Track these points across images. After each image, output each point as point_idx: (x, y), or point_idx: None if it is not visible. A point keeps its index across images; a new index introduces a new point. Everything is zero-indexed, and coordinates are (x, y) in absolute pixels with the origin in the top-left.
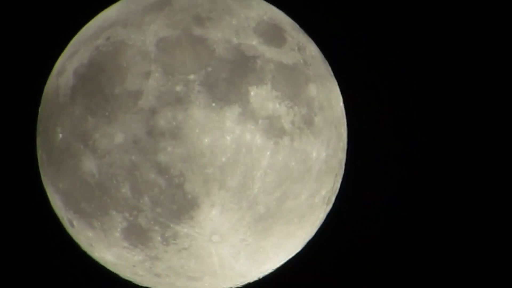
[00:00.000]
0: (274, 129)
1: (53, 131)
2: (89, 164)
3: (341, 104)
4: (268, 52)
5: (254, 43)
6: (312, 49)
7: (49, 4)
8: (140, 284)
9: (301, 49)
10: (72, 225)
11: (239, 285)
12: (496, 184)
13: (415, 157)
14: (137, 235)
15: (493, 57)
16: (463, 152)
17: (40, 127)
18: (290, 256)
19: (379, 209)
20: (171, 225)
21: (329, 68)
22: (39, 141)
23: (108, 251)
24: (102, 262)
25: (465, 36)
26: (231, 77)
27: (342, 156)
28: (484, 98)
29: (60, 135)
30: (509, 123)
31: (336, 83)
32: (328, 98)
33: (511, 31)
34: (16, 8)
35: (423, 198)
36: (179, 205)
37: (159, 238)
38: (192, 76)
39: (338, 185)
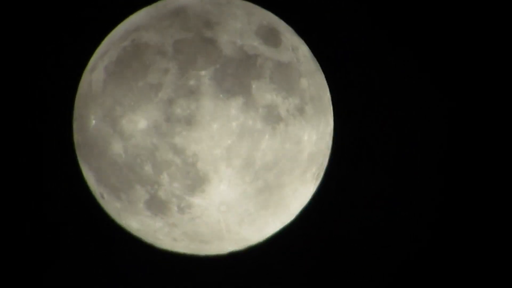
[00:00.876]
0: (272, 116)
1: (87, 117)
2: (117, 146)
3: (328, 95)
4: (267, 51)
5: (255, 44)
6: (304, 49)
7: (83, 11)
8: (160, 247)
9: (295, 49)
10: (103, 197)
11: (242, 248)
12: (492, 182)
13: (395, 143)
14: (157, 206)
15: (483, 55)
16: (441, 143)
17: (76, 115)
18: (286, 223)
19: (361, 184)
20: (186, 197)
21: (318, 65)
22: (75, 126)
23: (133, 219)
24: (128, 229)
25: (444, 32)
26: (236, 73)
27: (329, 139)
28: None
29: (93, 121)
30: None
31: (324, 77)
32: (317, 90)
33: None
34: (57, 16)
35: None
36: (193, 180)
37: (175, 208)
38: (203, 72)
39: (325, 163)
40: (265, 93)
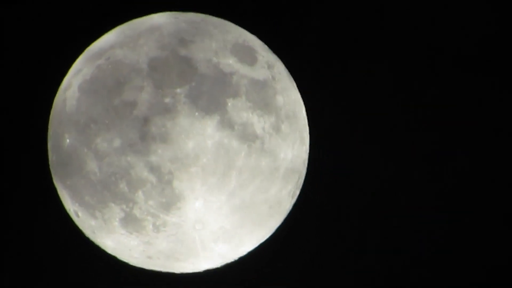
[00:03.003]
0: (247, 134)
1: (62, 136)
2: (92, 164)
3: (304, 112)
4: (242, 69)
5: (230, 61)
6: (279, 66)
7: (57, 29)
8: (135, 265)
9: (270, 66)
10: (78, 216)
11: (218, 265)
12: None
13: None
14: (132, 224)
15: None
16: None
17: (50, 133)
18: (262, 241)
19: (335, 201)
20: (161, 215)
21: (294, 82)
22: (49, 145)
23: (108, 238)
24: (103, 247)
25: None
26: (211, 91)
27: (305, 156)
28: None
29: (68, 140)
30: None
31: (299, 95)
32: (293, 108)
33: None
34: (31, 34)
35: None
36: (168, 198)
37: (151, 226)
38: (178, 90)
39: (301, 181)
40: (241, 111)
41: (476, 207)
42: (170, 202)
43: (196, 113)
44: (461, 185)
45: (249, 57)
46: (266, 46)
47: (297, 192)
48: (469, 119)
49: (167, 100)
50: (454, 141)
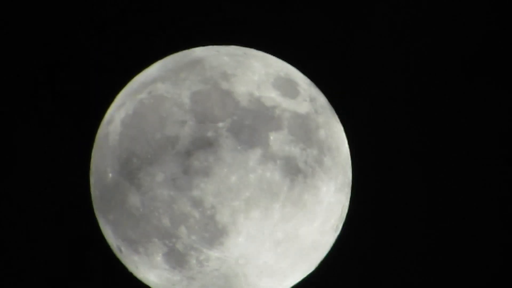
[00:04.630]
0: (290, 168)
1: (104, 171)
2: (134, 199)
3: (346, 145)
4: (284, 102)
5: (272, 95)
6: (321, 99)
7: (100, 63)
8: None
9: (312, 100)
10: (121, 251)
11: None
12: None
13: (415, 192)
14: (175, 259)
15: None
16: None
17: (93, 168)
18: (305, 275)
19: (381, 236)
20: (204, 250)
21: (336, 115)
22: (92, 179)
23: (151, 272)
24: (146, 282)
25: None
26: (253, 124)
27: (347, 190)
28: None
29: (110, 175)
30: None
31: (342, 128)
32: (335, 141)
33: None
34: (73, 69)
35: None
36: (211, 233)
37: (194, 261)
38: (220, 124)
39: (344, 214)
40: (283, 145)
41: None
42: (213, 237)
43: (239, 147)
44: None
45: (291, 90)
46: (308, 79)
47: (340, 226)
48: None
49: (209, 134)
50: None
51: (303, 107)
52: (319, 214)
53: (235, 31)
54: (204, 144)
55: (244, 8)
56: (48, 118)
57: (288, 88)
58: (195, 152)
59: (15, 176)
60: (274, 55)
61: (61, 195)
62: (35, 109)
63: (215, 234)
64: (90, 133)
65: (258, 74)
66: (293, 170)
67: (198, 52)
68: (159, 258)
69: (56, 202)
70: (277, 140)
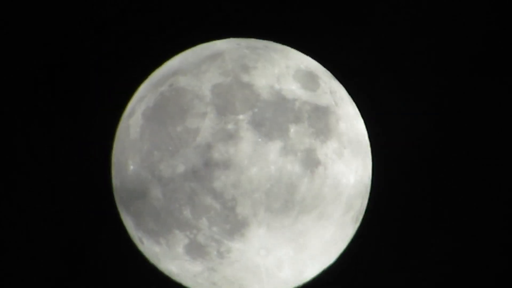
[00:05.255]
0: (310, 160)
1: (125, 163)
2: (156, 191)
3: (366, 138)
4: (304, 95)
5: (293, 87)
6: (341, 92)
7: (122, 56)
8: None
9: (332, 92)
10: (142, 242)
11: None
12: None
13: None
14: (196, 250)
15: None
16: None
17: (114, 160)
18: (325, 267)
19: (401, 227)
20: (225, 242)
21: (356, 108)
22: (113, 171)
23: (172, 264)
24: (167, 273)
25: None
26: (274, 117)
27: (367, 182)
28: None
29: (131, 167)
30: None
31: (362, 120)
32: (355, 134)
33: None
34: (95, 61)
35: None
36: (232, 224)
37: (215, 252)
38: (241, 116)
39: (364, 206)
40: (304, 137)
41: None
42: (234, 228)
43: (259, 139)
44: None
45: (311, 83)
46: (328, 72)
47: (360, 217)
48: None
49: (230, 126)
50: None
51: (323, 100)
52: (339, 206)
53: (256, 24)
54: (225, 136)
55: (266, 1)
56: (70, 111)
57: (308, 81)
58: (215, 144)
59: (34, 166)
60: (294, 48)
61: (83, 187)
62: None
63: (235, 225)
64: (112, 126)
65: (278, 67)
66: (314, 162)
67: (219, 45)
68: (180, 250)
69: (78, 194)
70: (298, 133)
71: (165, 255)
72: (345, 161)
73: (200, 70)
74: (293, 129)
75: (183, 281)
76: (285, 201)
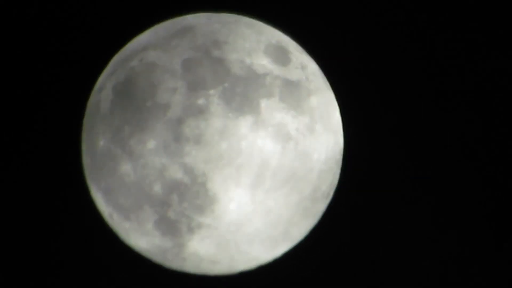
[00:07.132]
0: (281, 135)
1: (95, 138)
2: (126, 166)
3: (338, 113)
4: (276, 70)
5: (264, 62)
6: (312, 67)
7: (90, 30)
8: (169, 267)
9: (304, 67)
10: (112, 218)
11: (253, 267)
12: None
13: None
14: (166, 226)
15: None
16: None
17: (84, 135)
18: (296, 242)
19: (371, 203)
20: (195, 217)
21: (327, 83)
22: (83, 147)
23: (142, 240)
24: (137, 249)
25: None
26: (244, 92)
27: (339, 157)
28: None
29: (101, 142)
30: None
31: (333, 95)
32: (327, 109)
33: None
34: (64, 34)
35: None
36: (202, 200)
37: (185, 228)
38: (211, 91)
39: (335, 182)
40: (275, 112)
41: None
42: (204, 204)
43: (230, 114)
44: None
45: (282, 58)
46: (299, 47)
47: (331, 193)
48: None
49: (200, 101)
50: None
51: (294, 74)
52: (310, 181)
53: None
54: (195, 111)
55: None
56: (38, 85)
57: (279, 56)
58: (186, 119)
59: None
60: (266, 23)
61: (52, 162)
62: (26, 78)
63: (206, 201)
64: (81, 100)
65: (249, 41)
66: (285, 138)
67: (189, 19)
68: (150, 225)
69: (47, 169)
70: (268, 108)
71: (135, 231)
72: (316, 136)
73: (170, 45)
74: (264, 104)
75: (153, 257)
76: (256, 177)
